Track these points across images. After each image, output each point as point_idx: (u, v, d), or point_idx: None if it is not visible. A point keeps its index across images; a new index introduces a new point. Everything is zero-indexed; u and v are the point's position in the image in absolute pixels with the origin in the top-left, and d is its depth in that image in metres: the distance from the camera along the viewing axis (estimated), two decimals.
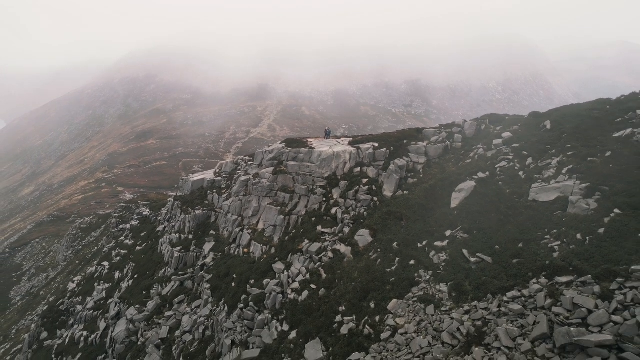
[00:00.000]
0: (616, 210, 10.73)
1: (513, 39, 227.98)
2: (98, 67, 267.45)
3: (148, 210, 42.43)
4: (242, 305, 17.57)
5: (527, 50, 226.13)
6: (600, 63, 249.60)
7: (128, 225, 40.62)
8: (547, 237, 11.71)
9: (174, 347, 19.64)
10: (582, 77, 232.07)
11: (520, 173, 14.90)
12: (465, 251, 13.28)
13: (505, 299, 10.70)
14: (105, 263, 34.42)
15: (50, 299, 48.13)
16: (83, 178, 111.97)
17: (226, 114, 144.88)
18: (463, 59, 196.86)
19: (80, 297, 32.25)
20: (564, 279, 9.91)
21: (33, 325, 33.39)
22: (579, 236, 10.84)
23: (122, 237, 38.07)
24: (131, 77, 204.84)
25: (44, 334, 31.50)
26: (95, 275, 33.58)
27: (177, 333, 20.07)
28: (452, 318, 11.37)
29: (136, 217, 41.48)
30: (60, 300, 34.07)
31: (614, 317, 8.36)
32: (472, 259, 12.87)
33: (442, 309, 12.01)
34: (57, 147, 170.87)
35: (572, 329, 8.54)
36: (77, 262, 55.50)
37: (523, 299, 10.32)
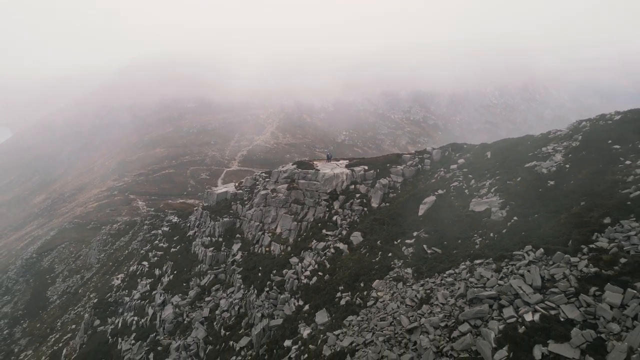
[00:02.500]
0: (515, 218, 16.15)
1: (510, 43, 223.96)
2: (102, 75, 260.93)
3: (176, 217, 47.90)
4: (267, 289, 22.99)
5: (524, 54, 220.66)
6: (598, 65, 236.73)
7: (160, 231, 46.08)
8: (475, 235, 17.12)
9: (214, 323, 25.02)
10: (579, 79, 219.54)
11: (466, 191, 20.33)
12: (425, 246, 18.66)
13: (444, 275, 16.07)
14: (145, 263, 39.84)
15: (91, 295, 53.52)
16: (94, 186, 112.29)
17: (230, 122, 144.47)
18: (461, 65, 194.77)
19: (126, 291, 37.63)
20: (478, 261, 15.30)
21: (86, 315, 38.66)
22: (491, 234, 16.26)
23: (157, 241, 43.50)
24: (136, 85, 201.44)
25: (97, 322, 36.81)
26: (137, 273, 38.98)
27: (217, 312, 25.44)
28: (412, 289, 16.74)
29: (166, 224, 46.93)
30: (108, 294, 39.45)
31: (499, 282, 13.72)
32: (429, 251, 18.27)
33: (407, 284, 17.39)
34: (65, 155, 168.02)
35: (475, 289, 13.95)
36: (110, 263, 60.87)
37: (454, 274, 15.70)
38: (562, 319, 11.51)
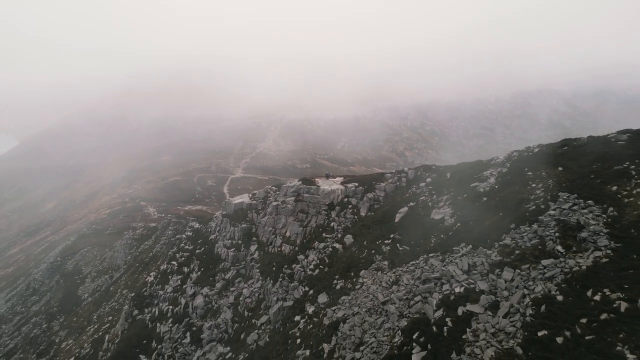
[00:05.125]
0: (458, 224, 22.00)
1: (506, 49, 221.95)
2: (108, 82, 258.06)
3: (197, 223, 53.72)
4: (280, 279, 28.79)
5: (520, 59, 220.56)
6: (595, 67, 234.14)
7: (184, 235, 51.89)
8: (432, 237, 22.96)
9: (239, 307, 30.79)
10: (574, 83, 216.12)
11: (429, 203, 26.19)
12: (398, 244, 24.49)
13: (409, 265, 21.88)
14: (174, 262, 45.55)
15: (124, 292, 59.33)
16: (105, 193, 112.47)
17: (234, 129, 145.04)
18: (458, 70, 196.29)
19: (160, 286, 43.32)
20: (431, 255, 21.07)
21: (126, 307, 44.32)
22: (442, 236, 22.10)
23: (182, 244, 49.30)
24: (141, 93, 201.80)
25: (135, 312, 42.49)
26: (168, 271, 44.70)
27: (241, 299, 31.21)
28: (387, 275, 22.54)
29: (189, 229, 52.78)
30: (143, 289, 45.14)
31: (442, 268, 19.53)
32: (400, 248, 24.11)
33: (384, 272, 23.18)
34: (73, 163, 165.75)
35: (427, 273, 19.78)
36: (137, 264, 66.67)
37: (415, 264, 21.47)
38: (477, 290, 17.25)
